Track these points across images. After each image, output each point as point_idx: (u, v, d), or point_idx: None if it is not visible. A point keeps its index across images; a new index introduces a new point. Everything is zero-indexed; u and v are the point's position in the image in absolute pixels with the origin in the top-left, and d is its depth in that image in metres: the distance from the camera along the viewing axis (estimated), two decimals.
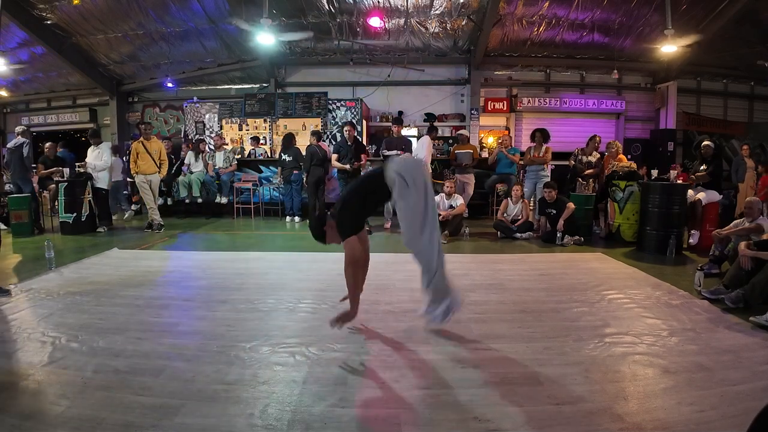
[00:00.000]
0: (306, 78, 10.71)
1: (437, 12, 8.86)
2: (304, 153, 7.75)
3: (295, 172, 7.63)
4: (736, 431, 1.79)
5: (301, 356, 2.51)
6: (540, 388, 2.17)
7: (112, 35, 9.60)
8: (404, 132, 8.45)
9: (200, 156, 8.18)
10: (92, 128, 9.02)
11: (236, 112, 9.71)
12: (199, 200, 8.02)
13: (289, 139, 7.76)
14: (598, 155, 6.83)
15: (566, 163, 7.49)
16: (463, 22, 9.18)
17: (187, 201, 8.06)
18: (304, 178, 7.53)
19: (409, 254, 5.08)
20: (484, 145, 10.35)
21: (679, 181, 5.55)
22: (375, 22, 8.91)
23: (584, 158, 6.78)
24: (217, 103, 9.97)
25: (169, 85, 10.30)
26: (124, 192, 9.00)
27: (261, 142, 9.17)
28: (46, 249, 4.38)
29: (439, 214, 6.01)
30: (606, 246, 5.69)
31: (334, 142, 8.40)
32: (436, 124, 9.64)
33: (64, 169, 6.78)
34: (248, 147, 9.08)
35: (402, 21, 9.15)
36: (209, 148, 8.87)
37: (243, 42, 9.26)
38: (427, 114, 10.37)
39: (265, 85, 10.82)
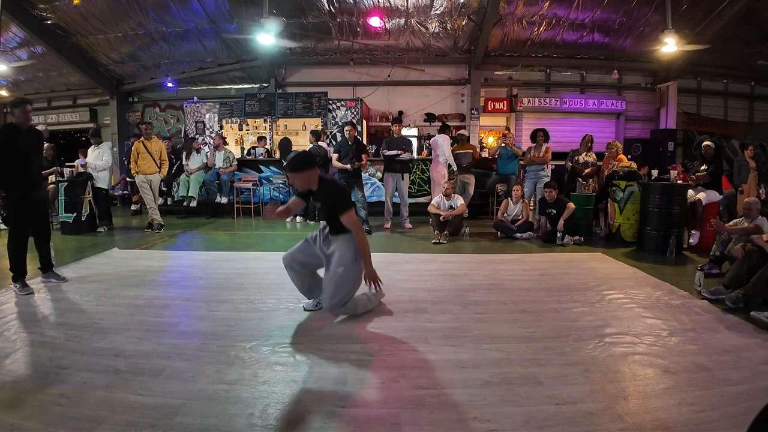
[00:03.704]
0: (306, 78, 10.72)
1: (437, 12, 8.87)
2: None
3: None
4: (736, 431, 1.79)
5: (301, 356, 2.51)
6: (540, 388, 2.17)
7: (113, 35, 9.62)
8: (404, 132, 8.46)
9: (193, 154, 8.13)
10: (93, 128, 9.03)
11: (236, 112, 9.73)
12: (193, 202, 7.87)
13: (286, 145, 7.72)
14: (593, 155, 6.83)
15: (563, 163, 7.50)
16: (464, 22, 9.18)
17: (184, 204, 7.98)
18: None
19: (408, 254, 5.09)
20: (484, 145, 10.35)
21: (679, 181, 5.55)
22: (375, 22, 8.92)
23: (580, 158, 6.79)
24: (217, 103, 9.99)
25: (170, 84, 10.31)
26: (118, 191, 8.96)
27: (264, 142, 9.19)
28: None
29: (440, 215, 6.03)
30: (606, 246, 5.69)
31: (334, 142, 8.40)
32: (439, 123, 9.66)
33: (65, 169, 6.78)
34: (248, 146, 9.12)
35: (402, 21, 9.16)
36: (207, 148, 8.85)
37: (243, 42, 9.27)
38: (427, 114, 10.38)
39: (265, 85, 10.83)
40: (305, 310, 3.18)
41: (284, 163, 7.67)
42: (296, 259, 3.08)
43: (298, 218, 7.66)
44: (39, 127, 6.98)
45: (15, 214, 3.71)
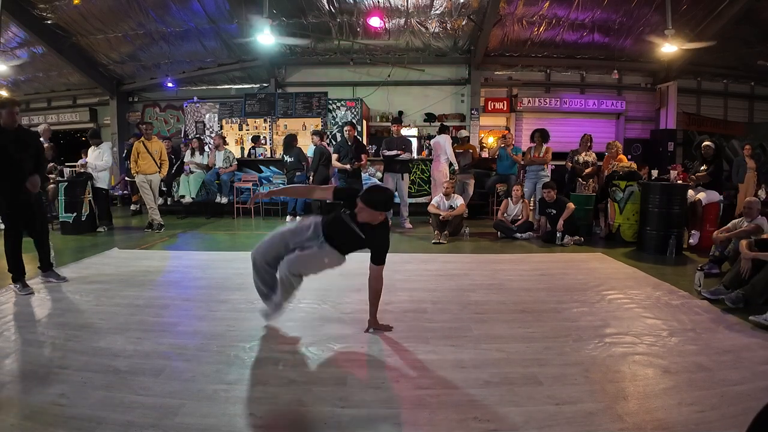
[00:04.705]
0: (306, 78, 10.71)
1: (437, 12, 8.86)
2: (306, 153, 7.74)
3: (298, 173, 7.62)
4: (736, 431, 1.79)
5: (300, 356, 2.51)
6: (540, 388, 2.17)
7: (113, 35, 9.60)
8: (404, 132, 8.46)
9: (196, 152, 8.14)
10: (92, 128, 9.02)
11: (236, 112, 9.73)
12: (188, 199, 7.87)
13: (290, 140, 7.74)
14: (593, 154, 6.82)
15: (563, 163, 7.50)
16: (463, 22, 9.18)
17: (183, 201, 7.97)
18: (311, 178, 7.50)
19: (408, 254, 5.09)
20: (484, 145, 10.35)
21: (679, 182, 5.55)
22: (375, 22, 8.91)
23: (580, 158, 6.79)
24: (217, 103, 9.98)
25: (170, 84, 10.30)
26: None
27: (261, 141, 9.17)
28: None
29: (440, 215, 6.03)
30: (606, 246, 5.69)
31: (334, 142, 8.40)
32: (438, 123, 9.67)
33: (65, 169, 6.78)
34: (248, 146, 9.11)
35: (402, 21, 9.15)
36: (208, 148, 8.86)
37: (243, 42, 9.26)
38: (427, 114, 10.38)
39: (265, 85, 10.82)
40: (262, 315, 2.89)
41: (285, 159, 7.66)
42: (273, 251, 2.87)
43: (298, 218, 7.65)
44: (41, 127, 7.01)
45: (7, 215, 3.71)
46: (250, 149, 8.97)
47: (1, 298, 3.51)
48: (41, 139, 5.53)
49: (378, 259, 2.73)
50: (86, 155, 7.22)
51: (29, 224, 3.84)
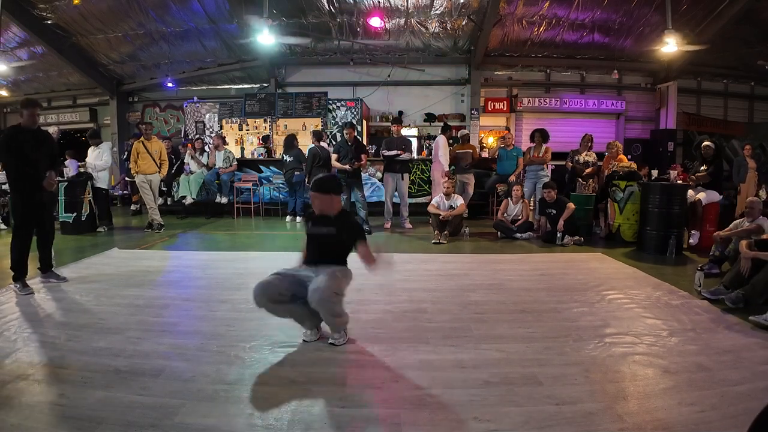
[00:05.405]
0: (306, 78, 10.71)
1: (437, 12, 8.87)
2: (305, 154, 7.75)
3: (296, 173, 7.61)
4: (736, 431, 1.79)
5: (301, 356, 2.51)
6: (540, 388, 2.17)
7: (113, 35, 9.61)
8: (404, 132, 8.46)
9: (196, 153, 8.18)
10: (92, 129, 9.02)
11: (236, 112, 9.74)
12: (189, 200, 7.93)
13: (290, 140, 7.75)
14: (594, 154, 6.82)
15: (563, 163, 7.50)
16: (464, 22, 9.18)
17: (185, 202, 7.99)
18: (306, 180, 7.48)
19: (408, 254, 5.09)
20: (484, 145, 10.35)
21: (679, 182, 5.55)
22: (375, 22, 8.92)
23: (581, 158, 6.78)
24: (217, 103, 10.00)
25: (170, 84, 10.31)
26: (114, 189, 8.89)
27: (269, 141, 9.20)
28: None
29: (440, 215, 6.03)
30: (606, 246, 5.69)
31: (334, 143, 8.40)
32: (439, 122, 9.68)
33: (64, 169, 6.78)
34: (255, 146, 9.16)
35: (402, 21, 9.15)
36: (207, 148, 8.86)
37: (243, 42, 9.26)
38: (427, 114, 10.38)
39: (265, 85, 10.82)
40: (305, 341, 2.71)
41: (284, 158, 7.66)
42: (273, 287, 2.57)
43: (298, 218, 7.65)
44: (50, 129, 7.04)
45: (21, 214, 3.74)
46: (259, 148, 8.99)
47: (2, 298, 3.51)
48: None
49: (360, 237, 2.68)
50: (71, 156, 7.23)
51: (39, 224, 3.86)
